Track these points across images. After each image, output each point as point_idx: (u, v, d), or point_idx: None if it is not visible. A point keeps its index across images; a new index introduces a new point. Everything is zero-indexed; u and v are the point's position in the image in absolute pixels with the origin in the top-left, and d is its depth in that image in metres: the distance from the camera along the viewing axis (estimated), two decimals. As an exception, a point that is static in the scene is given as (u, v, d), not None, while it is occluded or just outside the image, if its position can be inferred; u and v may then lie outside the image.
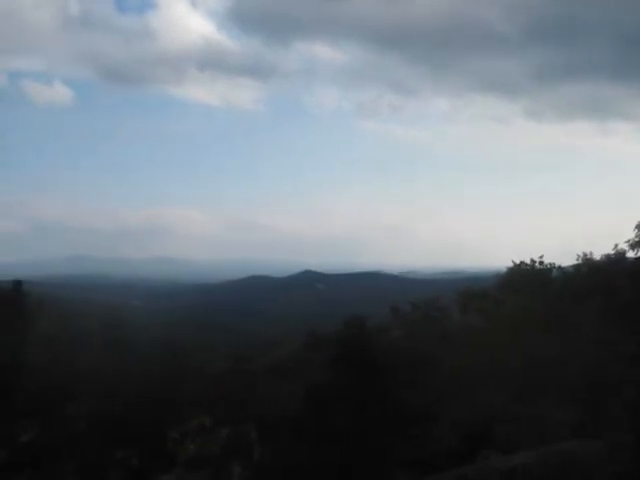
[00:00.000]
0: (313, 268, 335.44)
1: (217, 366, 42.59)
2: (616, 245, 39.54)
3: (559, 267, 47.18)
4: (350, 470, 33.41)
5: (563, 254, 53.10)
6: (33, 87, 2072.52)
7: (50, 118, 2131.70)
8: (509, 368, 36.63)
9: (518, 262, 46.84)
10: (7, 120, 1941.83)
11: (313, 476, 32.45)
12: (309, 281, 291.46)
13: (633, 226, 34.68)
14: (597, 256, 43.97)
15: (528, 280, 45.83)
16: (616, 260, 40.50)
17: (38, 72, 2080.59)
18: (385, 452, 34.73)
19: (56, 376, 31.56)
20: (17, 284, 41.28)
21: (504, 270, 48.00)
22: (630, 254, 37.02)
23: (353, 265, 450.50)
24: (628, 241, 35.53)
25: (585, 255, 44.63)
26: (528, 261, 46.66)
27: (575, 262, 45.45)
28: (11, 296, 40.04)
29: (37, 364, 34.04)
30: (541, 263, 46.53)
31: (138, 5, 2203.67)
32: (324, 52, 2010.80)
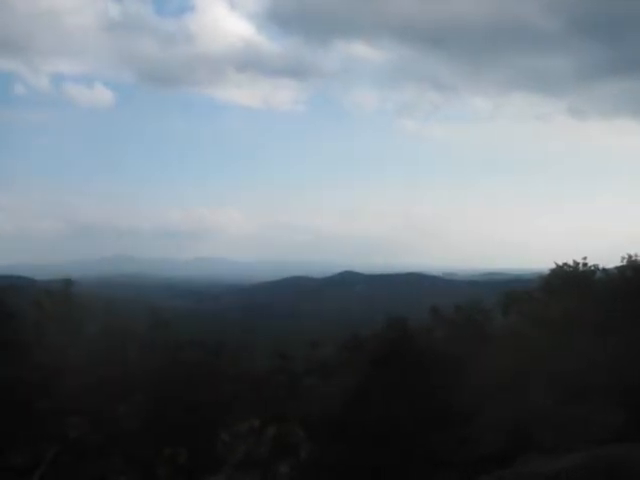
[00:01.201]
0: (353, 269, 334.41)
1: (259, 366, 42.94)
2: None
3: (603, 269, 46.64)
4: (392, 470, 33.49)
5: (607, 256, 52.28)
6: (75, 89, 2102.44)
7: (92, 120, 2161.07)
8: (552, 370, 36.39)
9: (561, 264, 46.39)
10: (50, 122, 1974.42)
11: (356, 476, 32.60)
12: (349, 282, 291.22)
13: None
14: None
15: (571, 282, 45.39)
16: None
17: (79, 75, 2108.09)
18: (426, 453, 34.72)
19: (104, 374, 32.19)
20: (67, 283, 42.16)
21: (546, 272, 47.58)
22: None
23: (393, 266, 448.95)
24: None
25: (630, 257, 44.17)
26: (571, 263, 46.19)
27: (620, 264, 45.00)
28: (60, 295, 40.94)
29: (85, 362, 34.74)
30: (585, 265, 46.03)
31: (177, 8, 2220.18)
32: (364, 51, 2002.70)
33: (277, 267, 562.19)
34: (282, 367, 40.69)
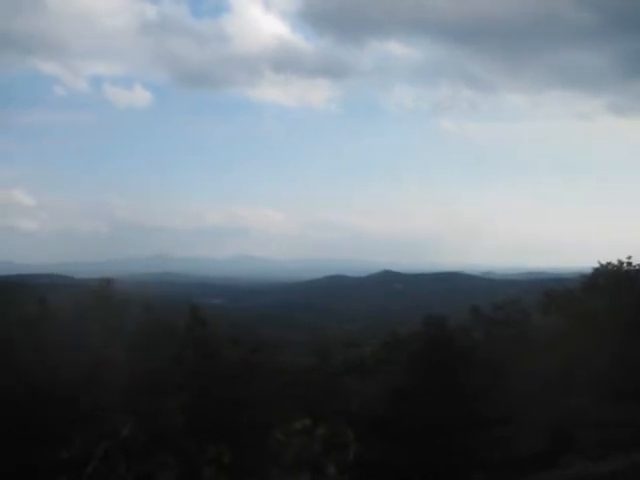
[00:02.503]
0: (392, 268, 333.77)
1: (299, 365, 42.92)
2: None
3: (649, 268, 45.72)
4: (433, 470, 33.23)
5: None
6: (113, 91, 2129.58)
7: (130, 120, 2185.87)
8: (595, 371, 35.81)
9: (605, 262, 45.62)
10: (89, 123, 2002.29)
11: (398, 476, 32.40)
12: (388, 281, 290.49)
13: None
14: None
15: (615, 281, 44.64)
16: None
17: (118, 76, 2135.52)
18: (465, 453, 34.41)
19: (147, 372, 32.47)
20: (107, 282, 42.63)
21: (589, 271, 46.84)
22: None
23: (432, 265, 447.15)
24: None
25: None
26: (615, 262, 45.38)
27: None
28: (100, 293, 41.40)
29: (126, 360, 35.09)
30: (629, 264, 45.20)
31: (212, 9, 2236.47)
32: (399, 50, 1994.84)
33: (316, 266, 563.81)
34: (322, 366, 40.63)
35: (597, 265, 45.96)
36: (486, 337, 44.82)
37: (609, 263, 45.48)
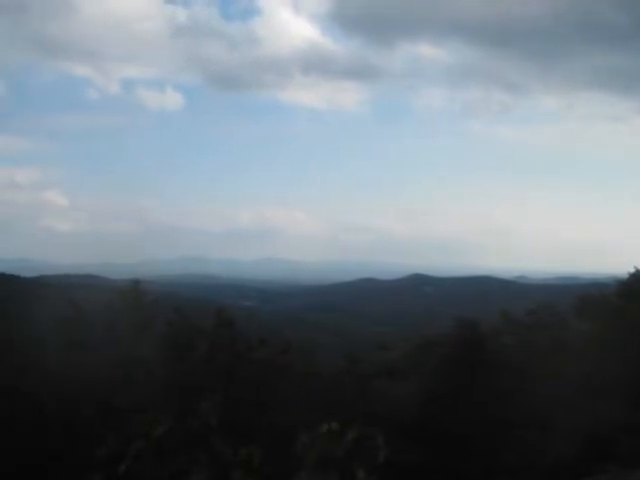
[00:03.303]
0: (422, 271, 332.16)
1: (328, 368, 42.80)
2: None
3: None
4: (461, 474, 32.97)
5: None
6: (145, 93, 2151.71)
7: (162, 123, 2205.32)
8: (629, 377, 35.27)
9: (642, 268, 44.91)
10: (121, 125, 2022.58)
11: (427, 479, 32.19)
12: (418, 284, 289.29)
13: None
14: None
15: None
16: None
17: (149, 79, 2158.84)
18: (494, 457, 34.09)
19: (179, 372, 32.65)
20: (135, 283, 42.90)
21: (624, 276, 46.13)
22: None
23: (463, 268, 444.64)
24: None
25: None
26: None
27: None
28: (131, 295, 41.68)
29: (158, 360, 35.32)
30: (666, 269, 44.46)
31: (242, 12, 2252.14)
32: (429, 52, 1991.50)
33: (345, 268, 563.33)
34: (351, 368, 40.44)
35: (633, 270, 45.30)
36: (518, 342, 44.33)
37: (646, 268, 44.81)
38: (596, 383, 35.74)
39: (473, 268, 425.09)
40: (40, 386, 34.64)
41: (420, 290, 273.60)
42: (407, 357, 44.59)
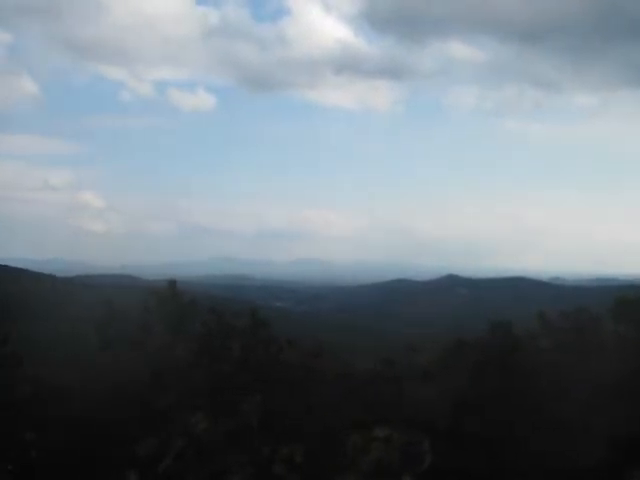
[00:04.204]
0: (457, 272, 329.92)
1: (361, 369, 42.69)
2: None
3: None
4: (500, 476, 32.77)
5: None
6: (178, 95, 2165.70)
7: (195, 124, 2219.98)
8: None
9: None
10: (155, 127, 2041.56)
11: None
12: (452, 285, 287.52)
13: None
14: None
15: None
16: None
17: (182, 81, 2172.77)
18: (531, 461, 33.80)
19: (215, 371, 32.83)
20: (172, 284, 43.16)
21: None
22: None
23: (497, 270, 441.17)
24: None
25: None
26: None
27: None
28: (166, 295, 41.97)
29: (192, 360, 35.53)
30: None
31: (273, 13, 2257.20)
32: (461, 50, 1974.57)
33: (379, 269, 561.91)
34: (385, 371, 40.35)
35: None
36: (553, 345, 43.88)
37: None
38: (632, 386, 35.29)
39: (507, 270, 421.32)
40: (76, 384, 35.05)
41: (454, 291, 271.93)
42: (441, 360, 44.34)
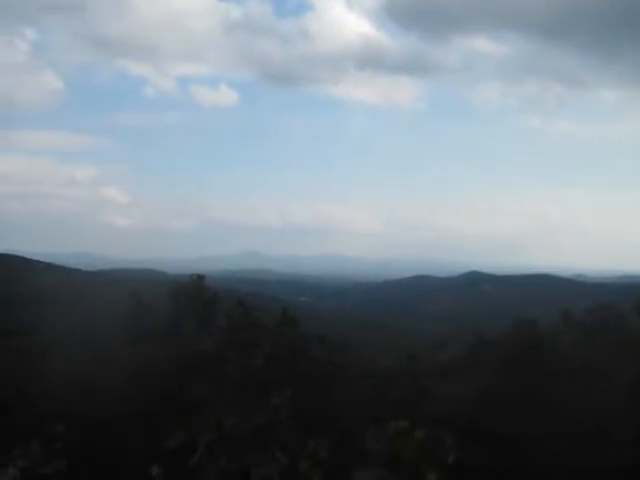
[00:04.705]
0: (479, 269, 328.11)
1: (385, 364, 42.93)
2: None
3: None
4: (521, 474, 32.88)
5: None
6: (201, 90, 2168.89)
7: (218, 119, 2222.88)
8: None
9: None
10: (178, 123, 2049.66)
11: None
12: (475, 282, 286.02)
13: None
14: None
15: None
16: None
17: (204, 76, 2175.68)
18: (553, 459, 33.83)
19: (245, 366, 33.29)
20: (200, 278, 43.76)
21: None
22: None
23: (520, 266, 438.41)
24: None
25: None
26: None
27: None
28: (194, 289, 42.55)
29: (221, 354, 35.98)
30: None
31: (295, 8, 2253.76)
32: (484, 46, 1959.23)
33: (402, 265, 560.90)
34: (409, 367, 40.61)
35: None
36: (577, 342, 43.87)
37: None
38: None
39: (531, 266, 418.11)
40: (103, 377, 35.59)
41: (477, 288, 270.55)
42: (464, 356, 44.52)
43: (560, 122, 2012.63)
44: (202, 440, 13.38)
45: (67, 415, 33.01)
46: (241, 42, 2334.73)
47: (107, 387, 34.39)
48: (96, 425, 32.55)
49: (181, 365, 34.21)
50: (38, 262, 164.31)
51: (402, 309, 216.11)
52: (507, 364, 38.63)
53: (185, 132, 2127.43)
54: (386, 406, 32.07)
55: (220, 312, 42.38)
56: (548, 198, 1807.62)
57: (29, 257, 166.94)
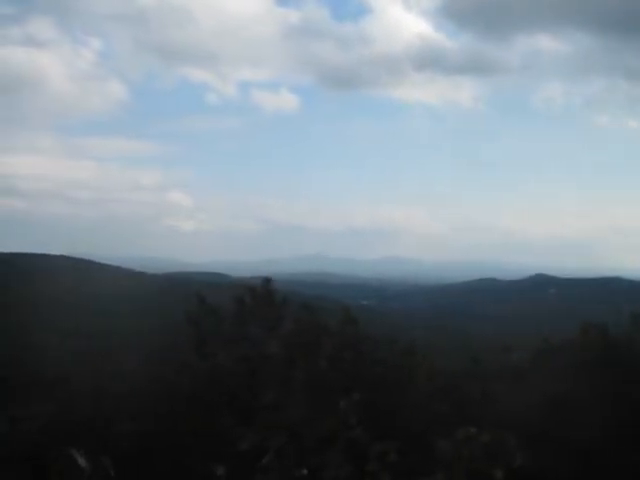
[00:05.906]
0: (546, 272, 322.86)
1: (450, 369, 42.73)
2: None
3: None
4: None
5: None
6: (261, 95, 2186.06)
7: (279, 124, 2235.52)
8: None
9: None
10: (241, 127, 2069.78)
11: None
12: (541, 285, 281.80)
13: None
14: None
15: None
16: None
17: (264, 81, 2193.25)
18: (620, 470, 33.18)
19: (310, 369, 33.57)
20: (267, 281, 44.09)
21: None
22: None
23: (589, 269, 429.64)
24: None
25: None
26: None
27: None
28: (261, 292, 42.91)
29: (287, 357, 36.30)
30: None
31: (353, 11, 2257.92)
32: (547, 43, 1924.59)
33: (466, 268, 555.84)
34: (474, 370, 40.35)
35: None
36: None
37: None
38: None
39: (601, 269, 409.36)
40: (168, 379, 36.30)
41: (543, 291, 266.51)
42: (531, 360, 44.00)
43: (630, 120, 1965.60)
44: (272, 443, 13.59)
45: (134, 414, 33.87)
46: (300, 46, 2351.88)
47: (171, 388, 35.09)
48: (161, 425, 33.19)
49: (249, 367, 34.65)
50: (106, 265, 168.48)
51: (466, 312, 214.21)
52: (575, 369, 38.02)
53: (247, 136, 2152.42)
54: (451, 409, 31.94)
55: (287, 315, 42.71)
56: (618, 200, 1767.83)
57: (97, 260, 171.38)
